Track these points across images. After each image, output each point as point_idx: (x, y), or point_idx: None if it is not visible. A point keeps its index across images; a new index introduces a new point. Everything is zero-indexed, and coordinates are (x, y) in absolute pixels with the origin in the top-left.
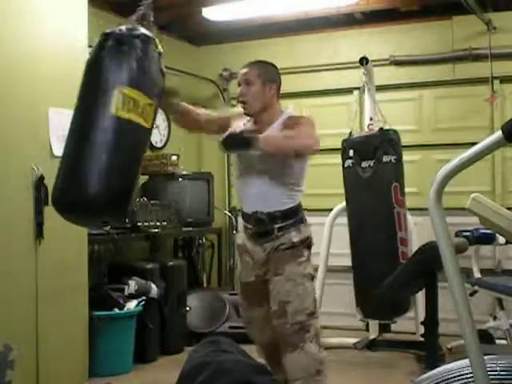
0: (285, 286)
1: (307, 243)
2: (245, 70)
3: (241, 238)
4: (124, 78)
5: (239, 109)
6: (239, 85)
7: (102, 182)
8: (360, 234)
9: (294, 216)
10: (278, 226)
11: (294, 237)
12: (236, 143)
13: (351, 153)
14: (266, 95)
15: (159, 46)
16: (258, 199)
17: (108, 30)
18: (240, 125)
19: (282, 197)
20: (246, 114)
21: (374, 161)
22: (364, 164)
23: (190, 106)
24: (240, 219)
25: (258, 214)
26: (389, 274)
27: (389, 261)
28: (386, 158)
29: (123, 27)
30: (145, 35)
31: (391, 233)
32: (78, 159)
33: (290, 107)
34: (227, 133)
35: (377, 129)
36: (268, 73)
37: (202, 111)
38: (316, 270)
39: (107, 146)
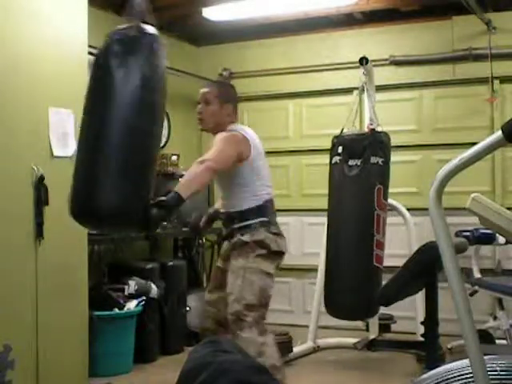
0: (230, 278)
1: (260, 243)
2: (205, 90)
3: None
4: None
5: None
6: (199, 103)
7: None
8: (337, 232)
9: (252, 218)
10: (235, 226)
11: (248, 236)
12: (160, 217)
13: (340, 149)
14: (223, 113)
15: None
16: (225, 201)
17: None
18: None
19: (242, 200)
20: (201, 130)
21: (361, 160)
22: (351, 162)
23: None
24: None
25: (226, 214)
26: (360, 276)
27: (362, 262)
28: (373, 159)
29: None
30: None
31: (368, 234)
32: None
33: (237, 126)
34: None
35: (369, 129)
36: (225, 93)
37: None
38: (316, 269)
39: None
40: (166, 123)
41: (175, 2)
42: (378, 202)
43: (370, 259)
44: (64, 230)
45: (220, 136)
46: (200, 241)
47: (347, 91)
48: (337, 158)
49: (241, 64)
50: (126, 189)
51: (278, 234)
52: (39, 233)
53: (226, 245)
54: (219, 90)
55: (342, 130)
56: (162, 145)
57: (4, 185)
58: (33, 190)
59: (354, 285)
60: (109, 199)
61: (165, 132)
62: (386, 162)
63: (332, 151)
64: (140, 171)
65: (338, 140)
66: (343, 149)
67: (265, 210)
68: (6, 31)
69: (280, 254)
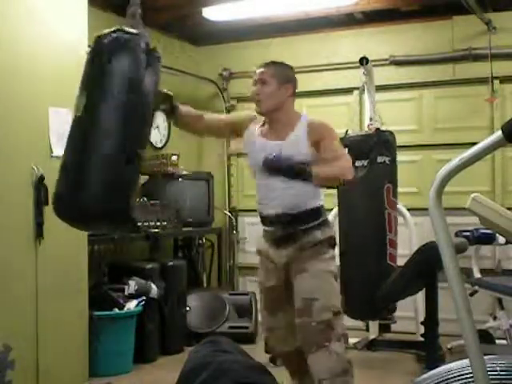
0: (310, 282)
1: (331, 242)
2: (261, 70)
3: (260, 242)
4: None
5: (250, 113)
6: (254, 84)
7: None
8: (349, 233)
9: (317, 217)
10: (302, 228)
11: (318, 236)
12: (287, 172)
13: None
14: (282, 95)
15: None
16: (283, 202)
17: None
18: (254, 129)
19: (306, 199)
20: (258, 113)
21: (368, 161)
22: (358, 163)
23: (191, 109)
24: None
25: (282, 216)
26: (375, 275)
27: (376, 261)
28: (380, 159)
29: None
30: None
31: (381, 234)
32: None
33: (303, 111)
34: (273, 156)
35: (374, 129)
36: (283, 73)
37: (206, 115)
38: None
39: None
40: (166, 123)
41: (175, 2)
42: (388, 201)
43: (385, 258)
44: (64, 230)
45: (328, 131)
46: (200, 241)
47: (347, 91)
48: None
49: (241, 64)
50: (111, 189)
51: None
52: (39, 233)
53: (284, 252)
54: (277, 70)
55: (347, 131)
56: (162, 145)
57: (4, 185)
58: (33, 190)
59: (370, 284)
60: (94, 199)
61: (165, 132)
62: (393, 160)
63: None
64: (125, 170)
65: (343, 142)
66: (349, 150)
67: (324, 210)
68: (6, 31)
69: None
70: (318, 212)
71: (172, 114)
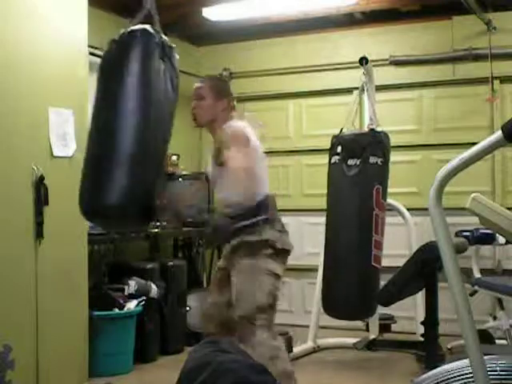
0: (237, 278)
1: (268, 244)
2: (198, 85)
3: None
4: None
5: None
6: (193, 98)
7: None
8: (336, 232)
9: (253, 216)
10: (239, 225)
11: (252, 237)
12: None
13: (339, 149)
14: (217, 109)
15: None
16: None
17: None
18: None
19: (232, 200)
20: (196, 126)
21: (360, 160)
22: (350, 162)
23: None
24: None
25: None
26: (359, 276)
27: (360, 262)
28: (372, 159)
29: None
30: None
31: (367, 234)
32: None
33: (245, 114)
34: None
35: (367, 129)
36: (219, 88)
37: None
38: (316, 269)
39: None
40: None
41: (175, 2)
42: (377, 202)
43: (369, 259)
44: (64, 230)
45: (229, 136)
46: (200, 241)
47: (347, 91)
48: (336, 158)
49: (241, 64)
50: (133, 186)
51: (283, 232)
52: (39, 233)
53: (228, 244)
54: (212, 85)
55: (342, 129)
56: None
57: (4, 185)
58: (33, 190)
59: (353, 285)
60: (116, 197)
61: None
62: (385, 162)
63: (331, 151)
64: (147, 167)
65: (338, 140)
66: (342, 148)
67: (265, 207)
68: (6, 31)
69: (286, 252)
70: (254, 210)
71: None
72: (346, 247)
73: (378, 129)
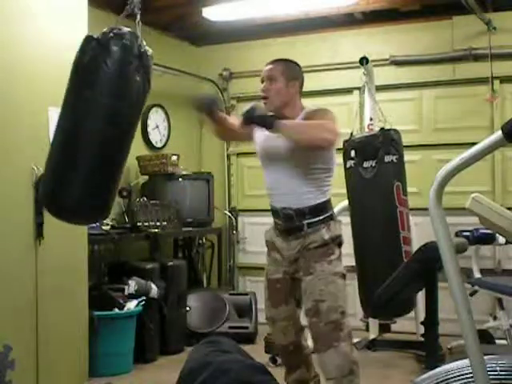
0: (317, 284)
1: (338, 241)
2: (269, 67)
3: (269, 233)
4: None
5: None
6: (262, 81)
7: None
8: (363, 235)
9: (323, 212)
10: (306, 221)
11: (325, 234)
12: (258, 118)
13: (353, 153)
14: (289, 92)
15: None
16: (286, 194)
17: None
18: None
19: (310, 192)
20: (267, 110)
21: (375, 161)
22: (366, 164)
23: (224, 115)
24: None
25: (287, 209)
26: (393, 273)
27: (392, 260)
28: (387, 158)
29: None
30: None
31: (394, 232)
32: None
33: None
34: (251, 105)
35: (377, 129)
36: (291, 70)
37: (233, 120)
38: None
39: None
40: (166, 123)
41: (175, 2)
42: (399, 199)
43: (400, 256)
44: (64, 230)
45: (321, 111)
46: (200, 241)
47: (347, 91)
48: (351, 162)
49: (241, 64)
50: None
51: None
52: (39, 233)
53: (292, 244)
54: (284, 67)
55: (352, 133)
56: (162, 145)
57: (4, 185)
58: (33, 190)
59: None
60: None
61: (165, 132)
62: (400, 158)
63: (345, 155)
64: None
65: (349, 144)
66: (356, 152)
67: (331, 206)
68: (6, 31)
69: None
70: (322, 207)
71: (212, 117)
72: (376, 248)
73: (387, 126)
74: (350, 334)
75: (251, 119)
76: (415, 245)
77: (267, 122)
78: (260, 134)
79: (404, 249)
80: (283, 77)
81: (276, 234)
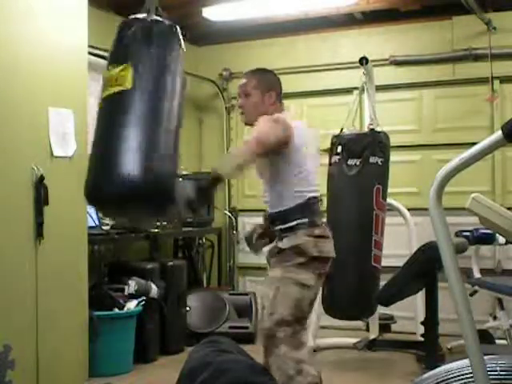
0: (264, 290)
1: (296, 250)
2: (242, 82)
3: None
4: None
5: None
6: (239, 96)
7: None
8: (336, 232)
9: (286, 221)
10: (278, 228)
11: (285, 243)
12: (201, 197)
13: (339, 149)
14: (265, 104)
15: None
16: (267, 203)
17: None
18: None
19: (280, 198)
20: (246, 124)
21: (360, 160)
22: (350, 162)
23: None
24: None
25: (266, 215)
26: (359, 276)
27: (361, 262)
28: (372, 159)
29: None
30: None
31: (367, 234)
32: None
33: (290, 108)
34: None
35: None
36: (265, 81)
37: None
38: None
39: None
40: None
41: (175, 2)
42: (377, 202)
43: (369, 259)
44: (64, 230)
45: (260, 120)
46: (200, 241)
47: (347, 91)
48: (336, 158)
49: (241, 64)
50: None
51: (322, 237)
52: (39, 233)
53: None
54: (258, 79)
55: (342, 129)
56: None
57: (4, 185)
58: (33, 189)
59: (353, 285)
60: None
61: None
62: (385, 161)
63: (331, 151)
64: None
65: (338, 140)
66: (343, 148)
67: (307, 210)
68: (6, 31)
69: (323, 259)
70: (288, 215)
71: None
72: (346, 247)
73: (378, 129)
74: (289, 336)
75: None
76: (415, 245)
77: (208, 196)
78: None
79: (374, 253)
80: (258, 90)
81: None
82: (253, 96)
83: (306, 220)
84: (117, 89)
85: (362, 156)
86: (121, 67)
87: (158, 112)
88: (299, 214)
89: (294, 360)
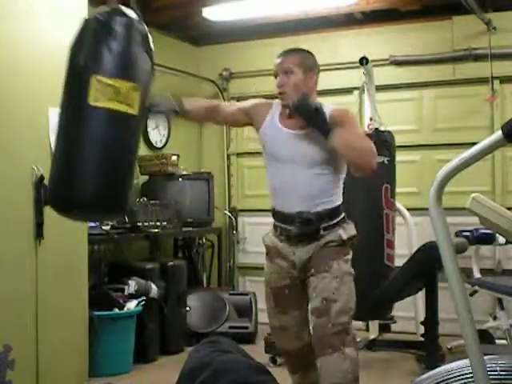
0: (331, 283)
1: (352, 242)
2: (283, 59)
3: (269, 238)
4: (101, 66)
5: (263, 100)
6: (275, 76)
7: (92, 181)
8: None
9: (338, 215)
10: (324, 225)
11: (343, 234)
12: (318, 117)
13: None
14: (308, 85)
15: (144, 26)
16: (302, 197)
17: (89, 16)
18: (273, 118)
19: (327, 196)
20: (284, 106)
21: None
22: None
23: (199, 102)
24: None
25: (304, 213)
26: (373, 276)
27: (374, 262)
28: (379, 159)
29: (103, 10)
30: (125, 16)
31: (378, 234)
32: (68, 159)
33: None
34: (303, 99)
35: (373, 129)
36: (308, 60)
37: (220, 105)
38: None
39: (92, 141)
40: (166, 123)
41: (175, 2)
42: (386, 201)
43: (382, 259)
44: (64, 230)
45: (351, 117)
46: (200, 241)
47: (347, 91)
48: None
49: (241, 64)
50: (103, 177)
51: None
52: (39, 233)
53: (304, 250)
54: (301, 57)
55: None
56: (162, 145)
57: (4, 185)
58: (33, 189)
59: (367, 285)
60: (85, 188)
61: (165, 132)
62: (392, 160)
63: None
64: (117, 160)
65: None
66: None
67: (343, 208)
68: (6, 31)
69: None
70: (337, 211)
71: (180, 115)
72: (358, 249)
73: (382, 128)
74: (355, 338)
75: (307, 113)
76: (415, 245)
77: (325, 127)
78: (269, 131)
79: (387, 252)
80: (301, 68)
81: (280, 239)
82: (295, 74)
83: (345, 216)
84: (127, 110)
85: None
86: (130, 84)
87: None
88: (343, 210)
89: (358, 365)
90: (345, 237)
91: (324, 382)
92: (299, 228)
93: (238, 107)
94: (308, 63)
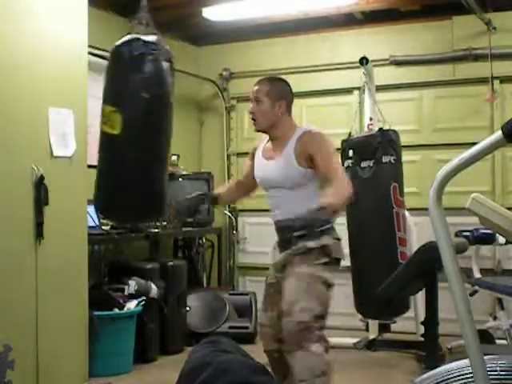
0: (294, 285)
1: (325, 250)
2: (255, 88)
3: (275, 243)
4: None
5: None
6: (251, 101)
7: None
8: (359, 235)
9: (314, 227)
10: (295, 234)
11: (312, 243)
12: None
13: (351, 153)
14: (275, 113)
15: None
16: (282, 209)
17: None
18: (260, 148)
19: (302, 207)
20: (256, 131)
21: (373, 161)
22: (363, 164)
23: (228, 187)
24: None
25: (282, 222)
26: (388, 275)
27: (388, 261)
28: (385, 159)
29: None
30: (126, 44)
31: (390, 233)
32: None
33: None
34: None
35: (376, 129)
36: (277, 90)
37: (240, 181)
38: None
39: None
40: None
41: (175, 2)
42: (395, 200)
43: (396, 257)
44: (64, 230)
45: (321, 143)
46: (200, 241)
47: (347, 91)
48: (349, 162)
49: (241, 64)
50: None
51: (339, 240)
52: (39, 233)
53: (282, 254)
54: (270, 87)
55: (350, 133)
56: None
57: (4, 185)
58: (33, 189)
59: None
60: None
61: None
62: (398, 159)
63: (343, 155)
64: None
65: (347, 143)
66: (354, 152)
67: (329, 220)
68: (6, 31)
69: (338, 261)
70: (315, 223)
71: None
72: (371, 249)
73: (386, 127)
74: (322, 336)
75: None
76: (415, 245)
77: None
78: (256, 162)
79: (400, 250)
80: (268, 98)
81: (276, 245)
82: (263, 103)
83: (328, 226)
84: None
85: (375, 157)
86: (112, 109)
87: None
88: (325, 222)
89: (323, 361)
90: (312, 245)
91: (296, 378)
92: (280, 235)
93: (247, 165)
94: (276, 93)
